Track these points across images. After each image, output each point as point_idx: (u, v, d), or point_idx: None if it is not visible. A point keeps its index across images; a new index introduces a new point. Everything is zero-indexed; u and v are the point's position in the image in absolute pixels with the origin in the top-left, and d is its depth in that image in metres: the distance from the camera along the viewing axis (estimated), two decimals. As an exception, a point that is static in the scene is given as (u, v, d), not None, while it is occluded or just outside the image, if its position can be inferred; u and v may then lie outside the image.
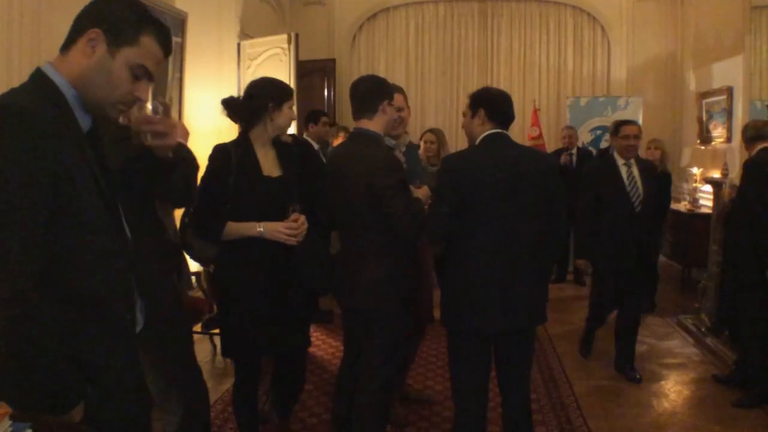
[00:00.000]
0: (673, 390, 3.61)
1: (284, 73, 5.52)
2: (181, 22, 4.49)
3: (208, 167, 2.33)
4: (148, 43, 1.31)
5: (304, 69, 6.09)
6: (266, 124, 2.33)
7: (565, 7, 7.44)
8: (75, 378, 1.23)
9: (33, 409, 1.16)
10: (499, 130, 2.37)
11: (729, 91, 5.59)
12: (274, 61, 5.67)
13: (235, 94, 2.49)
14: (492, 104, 2.39)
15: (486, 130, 2.37)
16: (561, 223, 2.44)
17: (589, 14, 7.41)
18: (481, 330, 2.33)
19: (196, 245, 2.33)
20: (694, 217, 5.77)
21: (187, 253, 2.44)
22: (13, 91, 1.24)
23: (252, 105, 2.32)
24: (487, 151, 2.34)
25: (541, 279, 2.49)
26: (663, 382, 3.70)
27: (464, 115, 2.52)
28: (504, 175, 2.26)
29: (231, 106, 2.35)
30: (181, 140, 2.10)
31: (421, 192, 2.52)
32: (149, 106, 1.71)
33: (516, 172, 2.28)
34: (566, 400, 3.45)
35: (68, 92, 1.27)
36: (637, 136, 3.69)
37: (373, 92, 2.41)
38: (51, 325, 1.18)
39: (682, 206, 6.10)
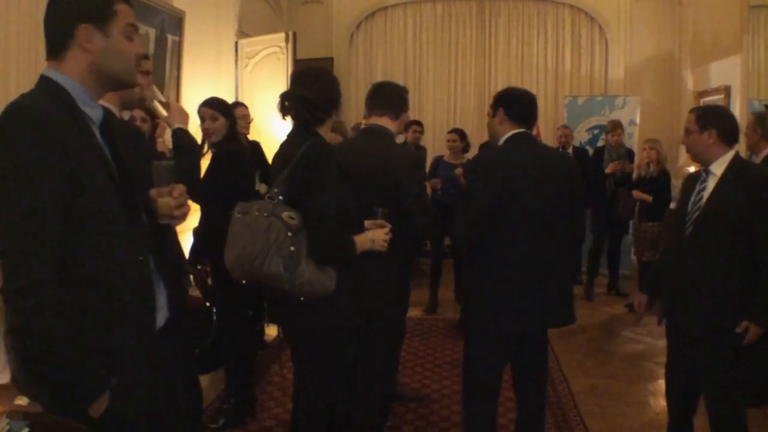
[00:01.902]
0: (670, 389, 3.61)
1: (282, 71, 5.51)
2: (178, 20, 4.47)
3: (325, 179, 1.90)
4: (121, 7, 1.38)
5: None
6: (331, 122, 2.08)
7: (563, 7, 7.44)
8: (97, 367, 1.25)
9: (57, 403, 1.18)
10: (524, 130, 2.38)
11: (727, 91, 5.59)
12: (272, 59, 5.66)
13: (232, 93, 2.44)
14: (510, 104, 2.40)
15: (507, 130, 2.38)
16: (581, 223, 2.52)
17: (586, 13, 7.40)
18: (519, 330, 2.35)
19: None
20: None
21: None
22: (24, 96, 1.31)
23: (328, 99, 2.03)
24: (516, 150, 2.35)
25: (571, 278, 2.57)
26: (660, 381, 3.69)
27: (488, 114, 2.51)
28: (535, 174, 2.28)
29: (311, 102, 2.00)
30: (180, 125, 2.06)
31: None
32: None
33: (545, 172, 2.30)
34: (563, 399, 3.46)
35: (74, 90, 1.33)
36: (691, 132, 2.35)
37: (399, 99, 2.46)
38: (69, 315, 1.21)
39: (679, 205, 6.08)
